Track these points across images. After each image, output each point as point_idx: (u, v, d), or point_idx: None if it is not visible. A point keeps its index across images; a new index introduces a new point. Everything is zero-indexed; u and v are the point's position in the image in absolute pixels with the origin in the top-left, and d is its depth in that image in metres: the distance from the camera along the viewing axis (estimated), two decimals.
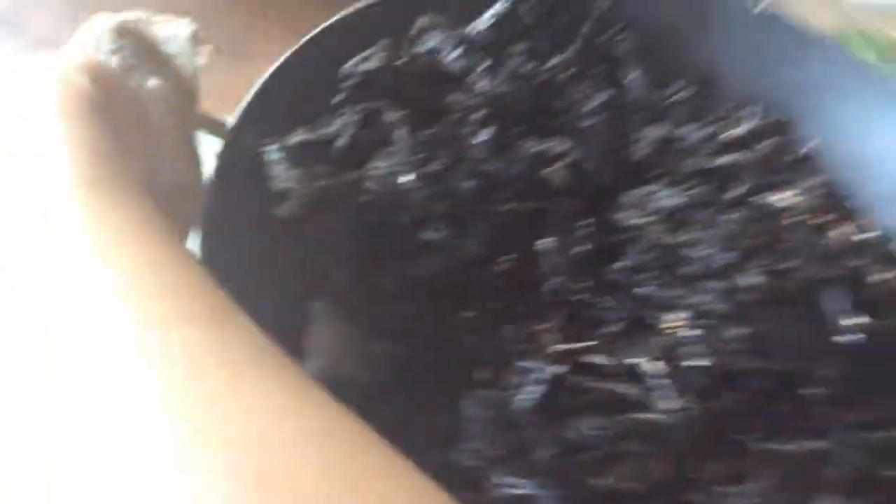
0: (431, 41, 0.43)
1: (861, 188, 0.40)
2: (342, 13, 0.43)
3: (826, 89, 0.45)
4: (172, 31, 0.35)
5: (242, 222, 0.37)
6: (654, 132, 0.40)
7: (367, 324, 0.37)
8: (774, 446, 0.31)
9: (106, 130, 0.28)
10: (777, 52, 0.46)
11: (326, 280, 0.38)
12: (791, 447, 0.30)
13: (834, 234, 0.34)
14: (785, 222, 0.34)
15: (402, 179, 0.36)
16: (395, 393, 0.35)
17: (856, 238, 0.34)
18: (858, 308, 0.32)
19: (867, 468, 0.31)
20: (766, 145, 0.39)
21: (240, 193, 0.38)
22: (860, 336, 0.31)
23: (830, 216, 0.35)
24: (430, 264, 0.37)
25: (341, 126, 0.40)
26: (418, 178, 0.37)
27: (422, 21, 0.44)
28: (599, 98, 0.40)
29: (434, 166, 0.38)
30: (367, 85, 0.41)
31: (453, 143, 0.39)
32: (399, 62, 0.42)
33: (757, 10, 0.47)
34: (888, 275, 0.33)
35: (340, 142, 0.40)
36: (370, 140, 0.40)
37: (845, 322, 0.31)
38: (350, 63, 0.42)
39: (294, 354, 0.31)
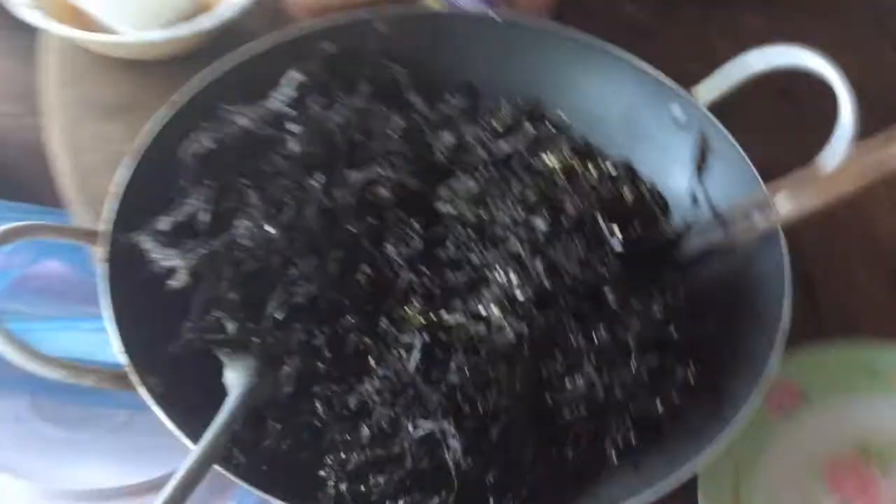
0: (241, 120, 0.52)
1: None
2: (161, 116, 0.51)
3: (561, 69, 0.58)
4: None
5: (143, 304, 0.45)
6: (446, 139, 0.51)
7: (267, 355, 0.45)
8: (584, 340, 0.43)
9: None
10: (518, 48, 0.58)
11: (223, 330, 0.45)
12: (597, 337, 0.43)
13: (587, 175, 0.47)
14: (555, 178, 0.46)
15: (268, 228, 0.45)
16: (303, 398, 0.44)
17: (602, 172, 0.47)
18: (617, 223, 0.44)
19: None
20: (526, 126, 0.52)
21: (132, 283, 0.46)
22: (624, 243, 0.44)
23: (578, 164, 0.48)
24: (306, 291, 0.46)
25: (195, 204, 0.48)
26: (278, 226, 0.46)
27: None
28: (396, 125, 0.51)
29: (287, 213, 0.47)
30: (204, 165, 0.50)
31: (295, 192, 0.48)
32: (223, 140, 0.50)
33: (498, 18, 0.59)
34: (629, 193, 0.46)
35: (202, 216, 0.48)
36: (226, 208, 0.48)
37: (615, 235, 0.44)
38: (182, 149, 0.50)
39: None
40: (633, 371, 0.42)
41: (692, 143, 0.54)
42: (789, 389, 0.48)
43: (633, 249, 0.45)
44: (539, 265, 0.43)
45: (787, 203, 0.49)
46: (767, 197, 0.49)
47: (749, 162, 0.52)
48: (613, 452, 0.43)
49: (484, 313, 0.44)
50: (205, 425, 0.40)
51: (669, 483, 0.39)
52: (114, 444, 0.85)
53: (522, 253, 0.43)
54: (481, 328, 0.42)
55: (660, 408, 0.43)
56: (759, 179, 0.51)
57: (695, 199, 0.53)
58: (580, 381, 0.42)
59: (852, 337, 0.51)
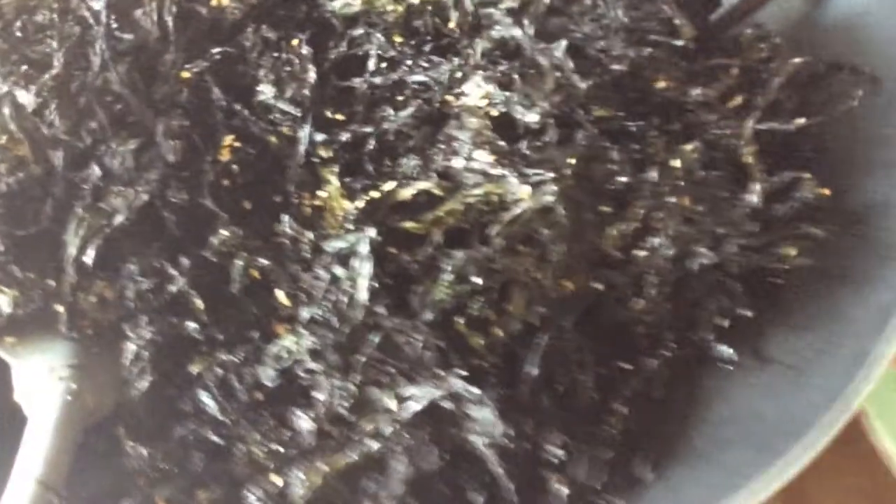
0: None
1: None
2: None
3: None
4: None
5: None
6: None
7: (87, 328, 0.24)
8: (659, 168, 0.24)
9: None
10: None
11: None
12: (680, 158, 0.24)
13: None
14: None
15: (17, 93, 0.23)
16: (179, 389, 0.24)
17: None
18: None
19: None
20: None
21: None
22: None
23: None
24: (128, 201, 0.25)
25: None
26: (45, 92, 0.24)
27: None
28: None
29: (54, 57, 0.25)
30: None
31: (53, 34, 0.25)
32: None
33: None
34: None
35: None
36: None
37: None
38: None
39: None
40: (756, 201, 0.24)
41: None
42: None
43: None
44: (557, 52, 0.22)
45: None
46: None
47: None
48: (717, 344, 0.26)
49: (463, 165, 0.24)
50: None
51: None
52: None
53: (520, 35, 0.23)
54: (479, 193, 0.23)
55: (791, 253, 0.25)
56: None
57: None
58: (661, 241, 0.24)
59: None
